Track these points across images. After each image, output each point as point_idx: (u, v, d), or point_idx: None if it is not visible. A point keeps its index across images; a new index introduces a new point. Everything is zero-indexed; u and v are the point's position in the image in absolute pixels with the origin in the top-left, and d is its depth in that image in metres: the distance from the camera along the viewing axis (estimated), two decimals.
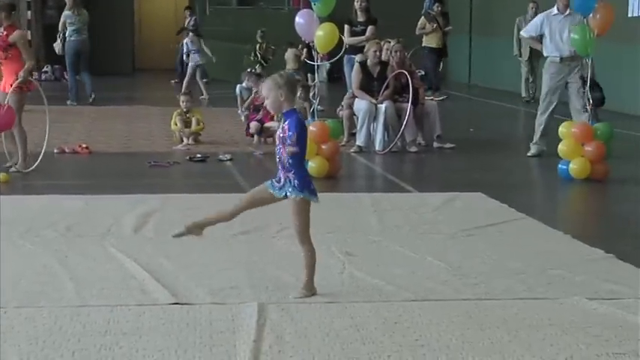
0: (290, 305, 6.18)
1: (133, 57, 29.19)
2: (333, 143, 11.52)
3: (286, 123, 6.35)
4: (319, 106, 12.73)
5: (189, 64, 20.83)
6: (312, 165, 11.11)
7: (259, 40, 22.09)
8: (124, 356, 5.23)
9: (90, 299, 6.25)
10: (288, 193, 6.42)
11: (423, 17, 21.26)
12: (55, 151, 12.94)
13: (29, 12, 25.46)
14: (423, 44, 21.23)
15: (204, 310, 6.07)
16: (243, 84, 16.95)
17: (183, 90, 17.39)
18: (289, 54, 20.50)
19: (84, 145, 13.26)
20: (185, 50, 21.23)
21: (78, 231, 8.28)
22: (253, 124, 14.03)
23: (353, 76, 14.15)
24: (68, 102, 19.30)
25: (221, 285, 6.65)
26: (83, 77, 19.70)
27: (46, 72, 24.83)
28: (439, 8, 21.20)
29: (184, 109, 14.32)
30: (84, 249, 7.62)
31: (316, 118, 11.87)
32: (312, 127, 11.38)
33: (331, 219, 8.84)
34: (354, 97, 13.97)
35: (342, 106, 14.44)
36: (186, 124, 14.18)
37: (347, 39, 15.94)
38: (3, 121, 10.74)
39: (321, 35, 11.59)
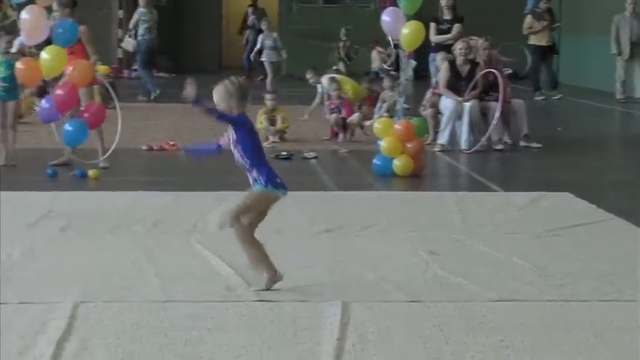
0: (373, 304, 6.18)
1: (220, 55, 29.42)
2: (418, 142, 11.49)
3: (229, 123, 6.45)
4: (405, 104, 12.70)
5: (265, 62, 20.83)
6: (397, 163, 11.11)
7: (343, 38, 22.10)
8: (209, 352, 5.28)
9: (175, 295, 6.32)
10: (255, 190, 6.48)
11: (529, 16, 20.90)
12: (144, 147, 13.12)
13: (121, 11, 25.79)
14: (530, 42, 20.87)
15: (288, 308, 6.10)
16: (311, 80, 16.90)
17: (268, 88, 17.48)
18: (375, 52, 20.50)
19: (171, 142, 13.40)
20: (259, 47, 21.21)
21: (164, 227, 8.39)
22: (334, 116, 14.14)
23: (441, 75, 14.09)
24: (139, 97, 19.55)
25: (305, 283, 6.68)
26: (147, 74, 19.97)
27: (135, 70, 25.04)
28: (546, 5, 20.84)
29: (270, 107, 14.39)
30: (170, 245, 7.71)
31: (402, 117, 11.85)
32: (397, 126, 11.38)
33: (415, 217, 8.83)
34: (438, 95, 13.91)
35: (424, 105, 14.38)
36: (272, 122, 14.25)
37: (433, 37, 15.89)
38: (95, 117, 10.89)
39: (407, 33, 11.56)
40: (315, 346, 5.42)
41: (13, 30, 12.22)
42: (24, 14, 10.49)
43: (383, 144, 11.34)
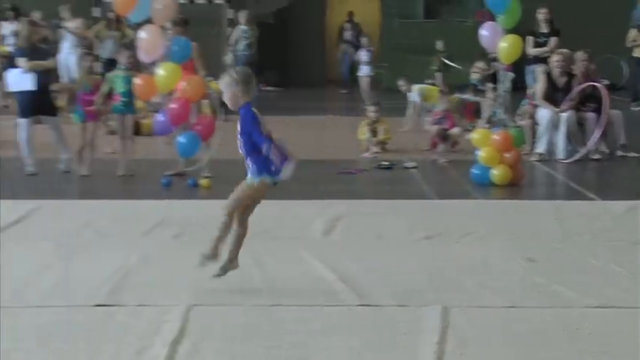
0: (472, 309, 6.13)
1: (325, 69, 29.50)
2: (516, 152, 11.36)
3: (241, 115, 6.47)
4: (504, 116, 12.60)
5: (360, 76, 20.79)
6: (495, 172, 11.01)
7: (440, 51, 22.00)
8: (314, 354, 5.30)
9: (282, 299, 6.34)
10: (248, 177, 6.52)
11: (635, 29, 20.46)
12: None
13: (230, 29, 25.97)
14: (634, 55, 20.44)
15: (389, 312, 6.08)
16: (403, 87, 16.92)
17: (370, 101, 17.46)
18: (474, 67, 20.29)
19: None
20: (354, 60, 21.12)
21: (272, 234, 8.42)
22: (435, 127, 14.05)
23: (538, 86, 13.93)
24: None
25: (405, 288, 6.65)
26: None
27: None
28: None
29: (372, 119, 14.41)
30: (277, 251, 7.74)
31: (501, 127, 11.75)
32: (495, 136, 11.28)
33: (513, 226, 8.74)
34: (535, 106, 13.76)
35: (519, 115, 14.20)
36: (374, 133, 14.25)
37: (530, 50, 15.71)
38: (207, 130, 11.02)
39: (505, 47, 11.45)
40: (415, 349, 5.39)
41: (131, 47, 12.43)
42: (141, 33, 10.68)
43: (481, 154, 11.26)
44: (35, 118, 12.11)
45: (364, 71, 20.61)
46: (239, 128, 6.52)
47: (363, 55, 20.74)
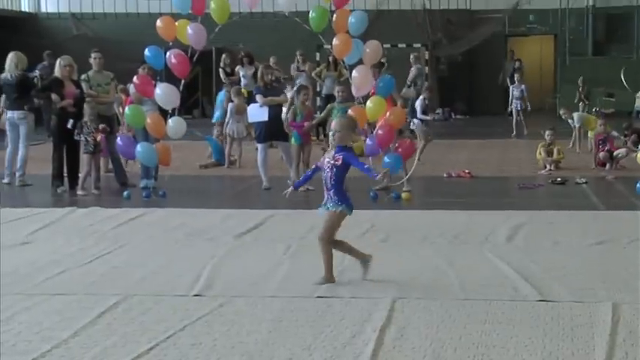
0: None
1: (505, 98, 28.98)
2: None
3: (341, 155, 6.45)
4: None
5: (511, 109, 20.10)
6: None
7: (580, 84, 21.50)
8: (500, 341, 5.15)
9: (472, 294, 6.22)
10: (330, 207, 6.43)
11: None
12: (444, 175, 13.12)
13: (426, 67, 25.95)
14: None
15: (565, 307, 5.85)
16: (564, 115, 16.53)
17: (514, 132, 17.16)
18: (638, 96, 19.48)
19: (466, 171, 13.32)
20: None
21: (462, 239, 8.30)
22: (602, 154, 13.58)
23: None
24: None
25: (579, 286, 6.39)
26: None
27: (438, 113, 24.95)
28: None
29: (548, 142, 14.11)
30: (466, 254, 7.61)
31: None
32: None
33: None
34: None
35: None
36: (549, 153, 13.96)
37: None
38: (407, 151, 10.96)
39: None
40: (590, 339, 5.16)
41: (346, 84, 12.57)
42: (354, 72, 10.79)
43: None
44: (269, 143, 12.44)
45: (516, 105, 19.92)
46: (334, 163, 6.49)
47: (515, 91, 20.08)
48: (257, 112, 12.15)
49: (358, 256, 6.68)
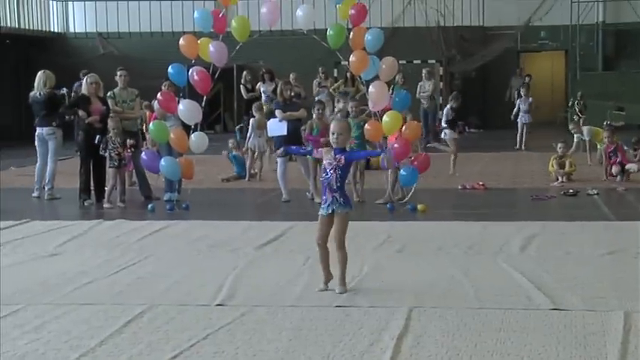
0: None
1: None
2: None
3: (342, 155, 6.48)
4: None
5: (518, 122, 20.00)
6: None
7: (577, 99, 21.41)
8: (515, 349, 5.12)
9: (487, 303, 6.19)
10: (335, 208, 6.42)
11: None
12: (459, 187, 13.10)
13: (441, 83, 25.95)
14: None
15: (578, 315, 5.81)
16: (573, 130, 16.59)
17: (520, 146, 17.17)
18: None
19: (481, 183, 13.29)
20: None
21: (477, 249, 8.27)
22: (615, 168, 13.51)
23: None
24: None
25: (591, 295, 6.35)
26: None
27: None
28: None
29: (560, 154, 14.06)
30: (481, 264, 7.58)
31: None
32: None
33: None
34: None
35: None
36: (561, 165, 13.89)
37: None
38: (423, 165, 10.96)
39: None
40: (602, 347, 5.12)
41: (362, 99, 12.59)
42: (371, 87, 10.80)
43: None
44: (289, 157, 12.44)
45: (522, 118, 19.83)
46: (337, 164, 6.48)
47: (522, 105, 19.99)
48: (276, 127, 12.18)
49: (325, 271, 6.63)
